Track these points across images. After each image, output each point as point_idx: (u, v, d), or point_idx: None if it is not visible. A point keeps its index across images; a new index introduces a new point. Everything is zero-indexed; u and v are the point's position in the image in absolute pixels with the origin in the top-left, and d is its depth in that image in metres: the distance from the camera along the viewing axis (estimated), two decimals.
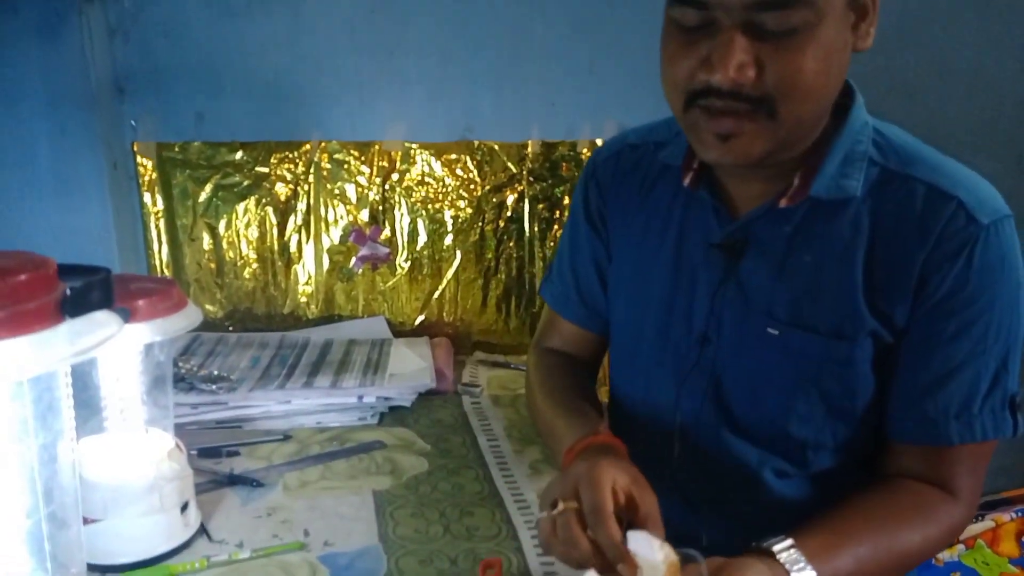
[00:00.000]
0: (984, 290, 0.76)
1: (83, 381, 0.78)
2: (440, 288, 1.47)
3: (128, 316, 0.59)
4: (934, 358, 0.78)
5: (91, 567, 0.74)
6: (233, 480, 0.94)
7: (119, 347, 0.76)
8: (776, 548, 0.69)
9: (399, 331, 1.44)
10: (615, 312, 0.98)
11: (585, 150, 1.42)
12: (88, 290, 0.53)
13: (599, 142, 1.41)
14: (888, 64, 1.46)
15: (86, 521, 0.74)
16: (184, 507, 0.81)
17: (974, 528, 1.36)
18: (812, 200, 0.80)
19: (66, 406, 0.57)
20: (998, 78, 1.54)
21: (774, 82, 0.69)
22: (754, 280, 0.83)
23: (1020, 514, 1.43)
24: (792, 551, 0.69)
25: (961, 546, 1.35)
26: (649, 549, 0.66)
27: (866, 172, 0.79)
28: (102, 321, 0.54)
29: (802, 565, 0.68)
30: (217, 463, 0.98)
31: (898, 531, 0.77)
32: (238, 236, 1.39)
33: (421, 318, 1.48)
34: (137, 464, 0.78)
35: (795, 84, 0.69)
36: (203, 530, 0.84)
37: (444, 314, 1.48)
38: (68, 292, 0.52)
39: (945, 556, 1.35)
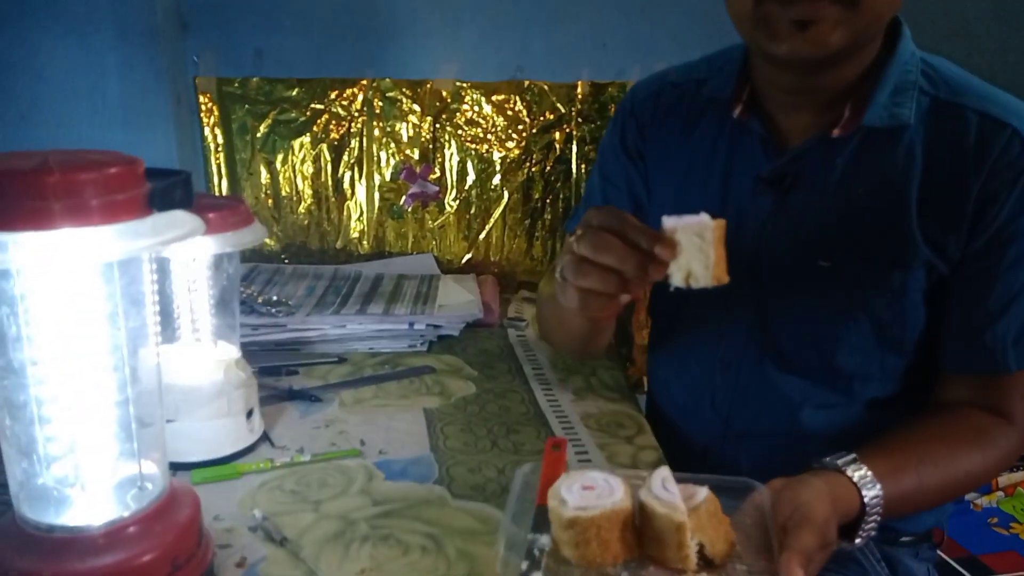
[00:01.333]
0: None
1: (158, 291, 0.83)
2: (487, 228, 1.49)
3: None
4: (994, 288, 0.79)
5: None
6: (293, 395, 0.99)
7: (191, 257, 0.80)
8: (841, 462, 0.71)
9: (447, 269, 1.48)
10: None
11: None
12: (172, 188, 0.57)
13: None
14: (947, 7, 1.43)
15: None
16: (249, 414, 0.86)
17: (1014, 477, 1.36)
18: (864, 130, 0.80)
19: (149, 301, 0.62)
20: None
21: None
22: (804, 213, 0.84)
23: None
24: (861, 467, 0.70)
25: (1000, 493, 1.35)
26: (687, 220, 0.65)
27: (917, 101, 0.79)
28: (184, 218, 0.58)
29: (870, 481, 0.70)
30: (277, 380, 1.03)
31: (958, 452, 0.78)
32: (294, 171, 1.44)
33: (468, 257, 1.51)
34: (207, 370, 0.83)
35: None
36: (266, 436, 0.89)
37: (490, 253, 1.51)
38: (154, 188, 0.56)
39: (984, 502, 1.36)
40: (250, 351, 1.08)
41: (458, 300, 1.25)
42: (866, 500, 0.69)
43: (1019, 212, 0.76)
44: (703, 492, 0.60)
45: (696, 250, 0.65)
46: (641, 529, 0.60)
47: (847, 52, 0.75)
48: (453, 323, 1.18)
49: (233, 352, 0.88)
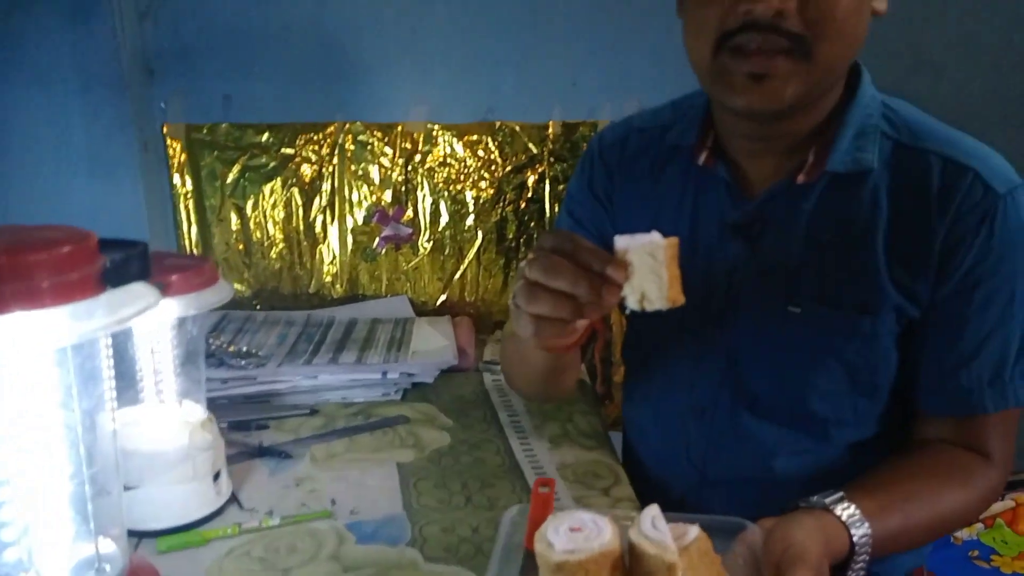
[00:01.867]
0: (1006, 258, 0.77)
1: (120, 354, 0.80)
2: (462, 268, 1.48)
3: (163, 290, 0.62)
4: (965, 330, 0.79)
5: (128, 532, 0.77)
6: (262, 452, 0.96)
7: (154, 320, 0.78)
8: (829, 501, 0.70)
9: (421, 311, 1.47)
10: None
11: None
12: (127, 262, 0.55)
13: None
14: (912, 40, 1.44)
15: (124, 488, 0.77)
16: (216, 476, 0.84)
17: (994, 507, 1.37)
18: (829, 176, 0.81)
19: (107, 375, 0.60)
20: None
21: (813, 17, 0.70)
22: (773, 259, 0.84)
23: None
24: (849, 506, 0.70)
25: (980, 525, 1.35)
26: (639, 240, 0.63)
27: (879, 145, 0.80)
28: (140, 292, 0.56)
29: (858, 519, 0.69)
30: (246, 436, 1.01)
31: (942, 490, 0.78)
32: (265, 217, 1.42)
33: (443, 298, 1.50)
34: (171, 434, 0.81)
35: (832, 20, 0.70)
36: (234, 498, 0.87)
37: (465, 294, 1.50)
38: (108, 264, 0.54)
39: (964, 535, 1.36)
40: (219, 404, 1.07)
41: (432, 346, 1.24)
42: (855, 539, 0.69)
43: (986, 254, 0.77)
44: (694, 531, 0.59)
45: (648, 271, 0.63)
46: (631, 570, 0.59)
47: (804, 103, 0.76)
48: (427, 370, 1.17)
49: (199, 412, 0.86)
